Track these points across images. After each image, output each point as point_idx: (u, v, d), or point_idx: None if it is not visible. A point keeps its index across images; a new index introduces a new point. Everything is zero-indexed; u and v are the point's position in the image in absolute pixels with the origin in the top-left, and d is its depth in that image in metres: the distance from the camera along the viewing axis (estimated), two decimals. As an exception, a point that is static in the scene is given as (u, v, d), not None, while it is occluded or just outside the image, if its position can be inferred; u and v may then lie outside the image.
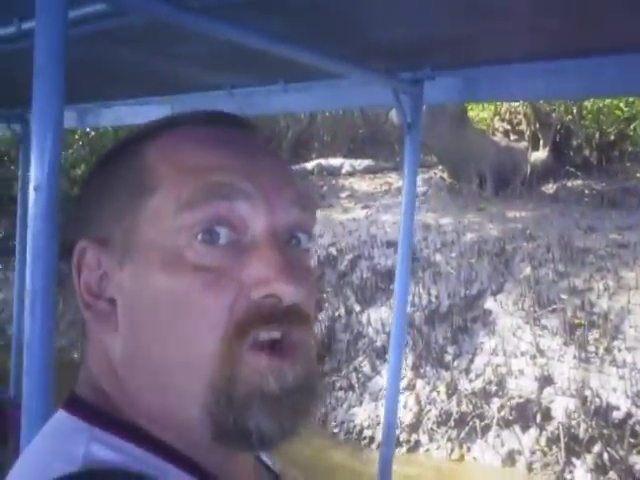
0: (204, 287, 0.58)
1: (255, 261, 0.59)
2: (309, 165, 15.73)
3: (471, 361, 6.66)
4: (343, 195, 12.97)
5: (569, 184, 9.58)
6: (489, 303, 7.11)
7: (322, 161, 15.66)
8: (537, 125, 10.04)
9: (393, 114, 10.45)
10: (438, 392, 6.65)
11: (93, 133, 10.15)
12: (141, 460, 0.58)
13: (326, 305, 8.17)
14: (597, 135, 10.22)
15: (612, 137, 10.26)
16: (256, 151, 0.66)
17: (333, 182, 14.33)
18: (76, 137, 10.08)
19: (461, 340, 6.93)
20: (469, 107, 10.45)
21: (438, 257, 7.96)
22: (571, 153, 10.20)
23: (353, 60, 2.64)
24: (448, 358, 6.82)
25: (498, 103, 10.43)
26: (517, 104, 10.02)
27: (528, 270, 7.22)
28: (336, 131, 17.56)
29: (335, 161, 15.52)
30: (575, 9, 2.10)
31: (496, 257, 7.62)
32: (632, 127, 10.11)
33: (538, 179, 9.86)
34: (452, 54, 2.84)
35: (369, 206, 10.52)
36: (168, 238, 0.60)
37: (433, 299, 7.44)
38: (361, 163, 15.10)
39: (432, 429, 6.45)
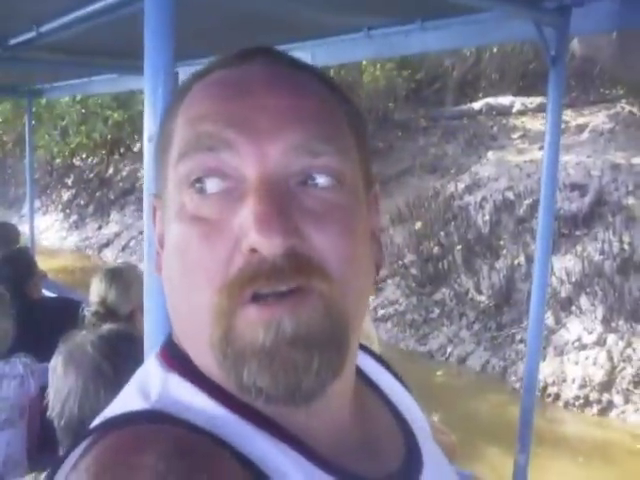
0: (200, 238, 0.57)
1: (243, 212, 0.55)
2: (476, 105, 14.97)
3: (673, 315, 5.98)
4: (515, 135, 12.23)
5: None
6: (695, 251, 6.34)
7: (491, 100, 14.85)
8: None
9: (575, 44, 9.57)
10: (634, 349, 6.04)
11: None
12: (212, 412, 0.58)
13: (504, 252, 7.69)
14: None
15: None
16: (260, 90, 0.59)
17: (504, 122, 13.55)
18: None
19: (661, 292, 6.24)
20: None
21: (630, 200, 7.20)
22: None
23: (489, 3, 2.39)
24: (645, 311, 6.17)
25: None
26: None
27: None
28: (504, 68, 16.55)
29: (505, 100, 14.67)
30: None
31: (701, 199, 6.77)
32: None
33: None
34: None
35: (547, 146, 9.75)
36: (175, 190, 0.59)
37: (626, 246, 6.75)
38: (533, 101, 14.14)
39: (628, 390, 5.88)
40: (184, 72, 4.43)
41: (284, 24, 3.31)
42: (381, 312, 8.31)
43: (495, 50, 16.38)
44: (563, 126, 12.04)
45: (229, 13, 2.90)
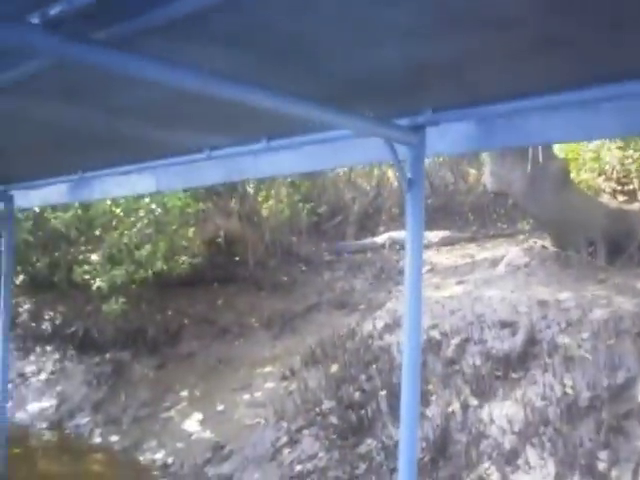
0: None
1: None
2: (379, 239, 14.80)
3: (636, 472, 5.37)
4: (423, 270, 11.90)
5: (698, 249, 8.37)
6: (644, 395, 5.87)
7: (393, 234, 14.72)
8: (652, 183, 8.91)
9: (488, 178, 9.48)
10: (594, 510, 5.37)
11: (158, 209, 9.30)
12: None
13: (433, 398, 6.99)
14: None
15: None
16: None
17: (408, 256, 13.33)
18: (141, 214, 9.24)
19: (614, 442, 5.66)
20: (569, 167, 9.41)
21: (565, 339, 6.77)
22: (692, 214, 9.01)
23: (337, 106, 2.11)
24: (602, 466, 5.54)
25: (604, 161, 9.37)
26: (628, 159, 8.91)
27: (687, 353, 5.99)
28: (403, 202, 16.54)
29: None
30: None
31: (640, 337, 6.41)
32: None
33: (657, 244, 8.69)
34: (458, 91, 2.27)
35: (464, 281, 9.39)
36: None
37: (569, 390, 6.22)
38: (436, 235, 14.09)
39: None
40: (19, 195, 3.74)
41: (120, 143, 2.85)
42: (298, 468, 7.33)
43: (395, 185, 16.51)
44: (469, 260, 11.89)
45: (58, 131, 2.60)
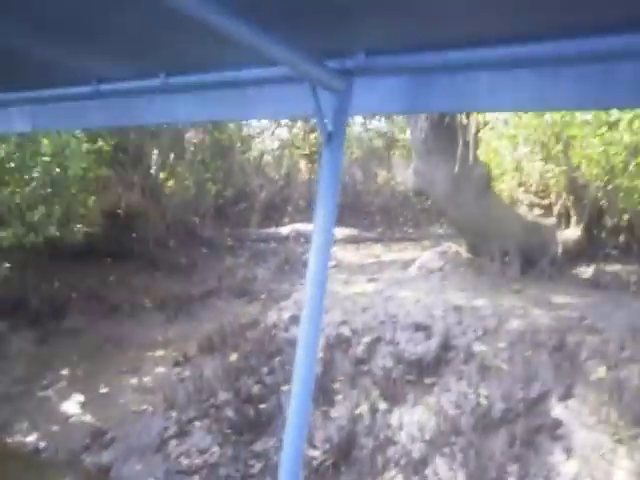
0: None
1: None
2: (284, 230, 14.37)
3: (547, 488, 5.19)
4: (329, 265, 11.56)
5: (608, 268, 8.39)
6: (558, 410, 5.70)
7: (299, 226, 14.33)
8: (571, 198, 8.89)
9: (410, 174, 9.21)
10: (502, 526, 5.14)
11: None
12: None
13: (339, 398, 6.62)
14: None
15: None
16: None
17: (313, 250, 12.96)
18: (36, 174, 8.32)
19: (525, 457, 5.46)
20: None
21: (481, 347, 6.55)
22: (602, 234, 9.06)
23: (253, 36, 1.67)
24: (513, 481, 5.33)
25: (524, 172, 9.30)
26: (548, 172, 8.86)
27: (602, 371, 5.87)
28: (312, 196, 16.26)
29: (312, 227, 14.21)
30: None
31: (556, 351, 6.25)
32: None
33: (568, 260, 8.67)
34: (401, 29, 1.82)
35: (375, 279, 9.10)
36: None
37: (483, 400, 5.99)
38: (342, 232, 13.80)
39: None
40: None
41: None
42: (186, 462, 6.78)
43: (304, 177, 16.16)
44: (375, 260, 11.66)
45: None
